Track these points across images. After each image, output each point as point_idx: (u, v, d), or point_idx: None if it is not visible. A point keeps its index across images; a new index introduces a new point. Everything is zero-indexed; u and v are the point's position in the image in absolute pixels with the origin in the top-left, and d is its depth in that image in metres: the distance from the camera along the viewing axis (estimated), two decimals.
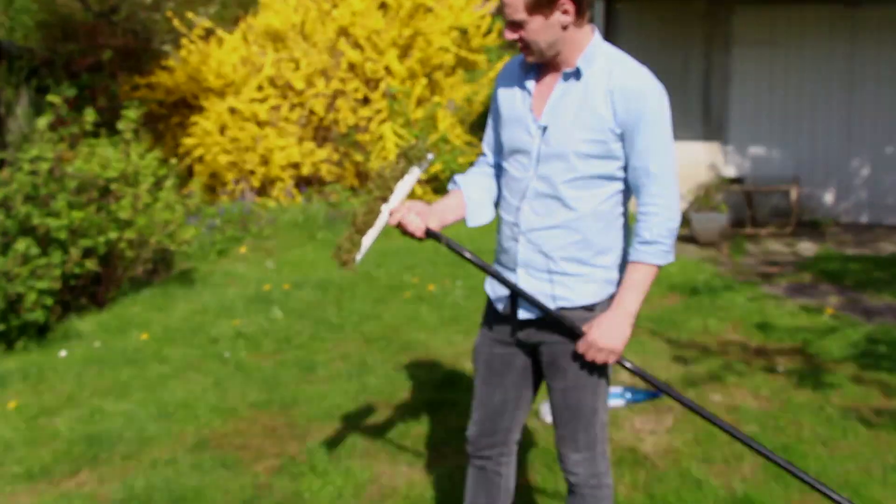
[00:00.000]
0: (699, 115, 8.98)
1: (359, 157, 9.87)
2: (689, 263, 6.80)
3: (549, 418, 3.81)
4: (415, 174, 2.23)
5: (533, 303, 2.17)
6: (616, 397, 3.99)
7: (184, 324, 5.55)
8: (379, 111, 9.95)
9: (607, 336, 2.12)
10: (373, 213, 2.18)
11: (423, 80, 9.89)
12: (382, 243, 8.71)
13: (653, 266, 2.12)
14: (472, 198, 2.30)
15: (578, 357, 2.20)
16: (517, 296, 2.21)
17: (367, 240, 2.19)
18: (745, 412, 3.92)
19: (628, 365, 2.21)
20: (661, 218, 2.10)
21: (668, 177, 2.10)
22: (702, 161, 8.95)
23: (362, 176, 10.30)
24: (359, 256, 2.17)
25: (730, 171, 9.00)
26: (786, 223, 8.57)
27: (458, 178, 2.34)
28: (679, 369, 4.52)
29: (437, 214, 2.23)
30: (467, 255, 2.21)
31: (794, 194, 8.39)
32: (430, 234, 2.20)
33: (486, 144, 2.39)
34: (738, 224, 8.74)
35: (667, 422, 3.84)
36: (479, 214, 2.31)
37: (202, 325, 5.51)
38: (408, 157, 2.21)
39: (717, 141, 9.02)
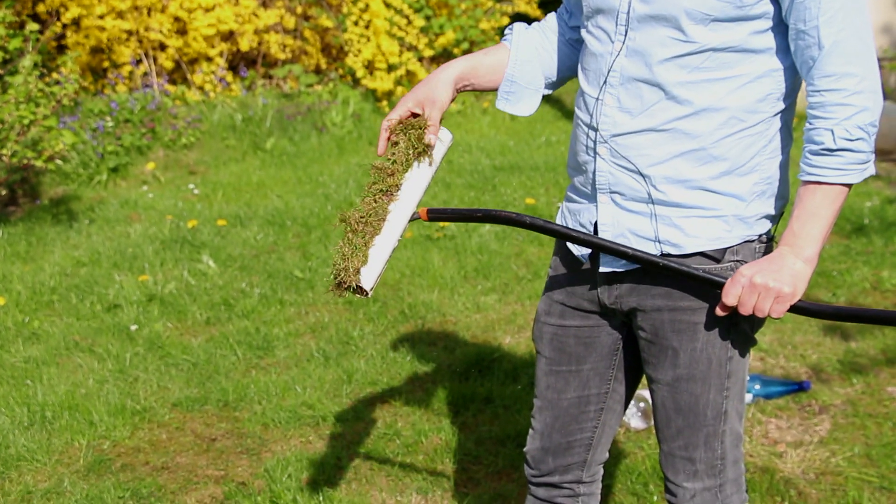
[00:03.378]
0: None
1: (328, 23, 9.77)
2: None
3: (635, 421, 3.80)
4: (432, 162, 2.27)
5: (621, 254, 2.14)
6: None
7: (63, 281, 5.56)
8: None
9: (770, 272, 2.04)
10: (376, 216, 2.20)
11: None
12: (367, 154, 8.72)
13: (839, 186, 2.04)
14: (518, 61, 2.37)
15: (700, 329, 2.16)
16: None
17: (379, 255, 2.19)
18: None
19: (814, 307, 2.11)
20: (850, 109, 2.00)
21: (857, 44, 2.00)
22: (871, 18, 8.82)
23: (332, 52, 10.19)
24: (369, 280, 2.16)
25: None
26: None
27: (516, 27, 2.41)
28: (836, 347, 4.49)
29: (446, 81, 2.30)
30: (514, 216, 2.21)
31: None
32: (432, 216, 2.25)
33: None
34: None
35: (820, 427, 3.83)
36: (519, 94, 2.39)
37: (92, 282, 5.52)
38: (408, 135, 2.25)
39: None
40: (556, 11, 2.44)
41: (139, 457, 3.77)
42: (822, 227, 2.05)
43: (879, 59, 8.19)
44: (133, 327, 4.90)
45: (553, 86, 2.45)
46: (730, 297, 2.06)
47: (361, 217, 2.19)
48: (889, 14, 8.75)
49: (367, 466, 3.62)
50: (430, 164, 2.27)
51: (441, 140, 2.28)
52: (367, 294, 2.17)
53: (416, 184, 2.25)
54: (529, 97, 2.40)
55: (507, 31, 2.41)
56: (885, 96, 7.66)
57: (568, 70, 2.42)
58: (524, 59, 2.37)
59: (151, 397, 4.21)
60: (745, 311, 2.05)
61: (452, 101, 2.32)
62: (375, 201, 2.21)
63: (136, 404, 4.14)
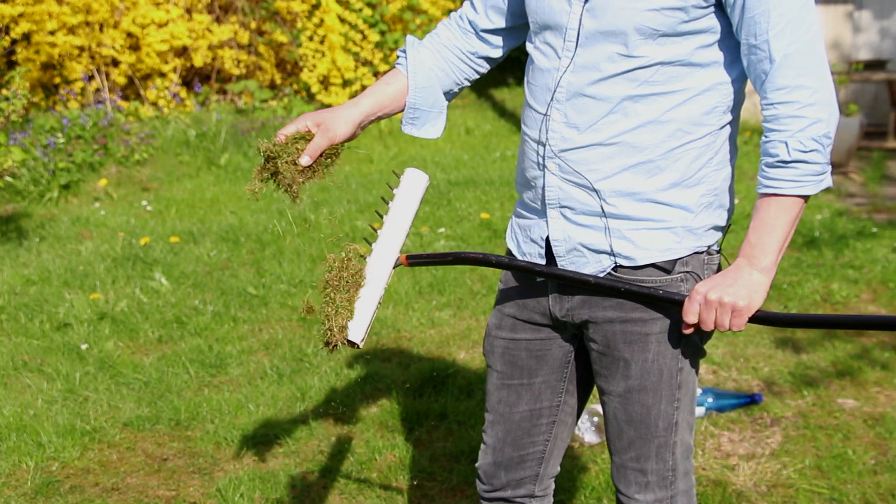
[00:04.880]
0: None
1: (282, 38, 9.75)
2: None
3: (589, 435, 3.80)
4: (411, 197, 2.28)
5: (583, 283, 2.16)
6: None
7: (12, 300, 5.50)
8: None
9: (724, 287, 2.05)
10: (354, 269, 2.21)
11: None
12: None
13: (794, 198, 2.05)
14: (417, 87, 2.37)
15: (651, 340, 2.17)
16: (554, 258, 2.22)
17: (365, 307, 2.20)
18: (893, 424, 3.93)
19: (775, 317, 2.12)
20: (804, 121, 2.01)
21: (808, 57, 2.01)
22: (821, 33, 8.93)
23: (287, 68, 10.17)
24: (357, 333, 2.17)
25: (864, 51, 8.97)
26: None
27: (408, 49, 2.39)
28: (788, 360, 4.52)
29: (348, 118, 2.28)
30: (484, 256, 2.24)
31: None
32: (413, 262, 2.28)
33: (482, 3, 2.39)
34: (876, 134, 8.73)
35: (772, 440, 3.85)
36: (423, 118, 2.39)
37: (41, 301, 5.46)
38: (288, 151, 2.23)
39: (844, 3, 8.96)
40: (451, 19, 2.43)
41: (89, 478, 3.72)
42: (778, 237, 2.05)
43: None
44: (83, 346, 4.84)
45: (454, 97, 2.47)
46: (689, 315, 2.07)
47: (339, 273, 2.19)
48: (839, 29, 8.88)
49: (320, 484, 3.60)
50: (407, 212, 2.28)
51: (418, 182, 2.30)
52: (357, 346, 2.18)
53: (394, 230, 2.26)
54: (434, 119, 2.41)
55: (399, 54, 2.39)
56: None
57: (463, 84, 2.44)
58: (423, 84, 2.37)
59: (102, 417, 4.16)
60: (707, 327, 2.06)
61: (354, 138, 2.31)
62: (349, 256, 2.21)
63: (85, 425, 4.09)
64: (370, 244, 2.26)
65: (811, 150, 2.00)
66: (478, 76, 2.47)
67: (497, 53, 2.42)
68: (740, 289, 2.03)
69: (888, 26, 8.92)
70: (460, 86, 2.44)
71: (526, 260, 2.26)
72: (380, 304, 2.23)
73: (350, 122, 2.28)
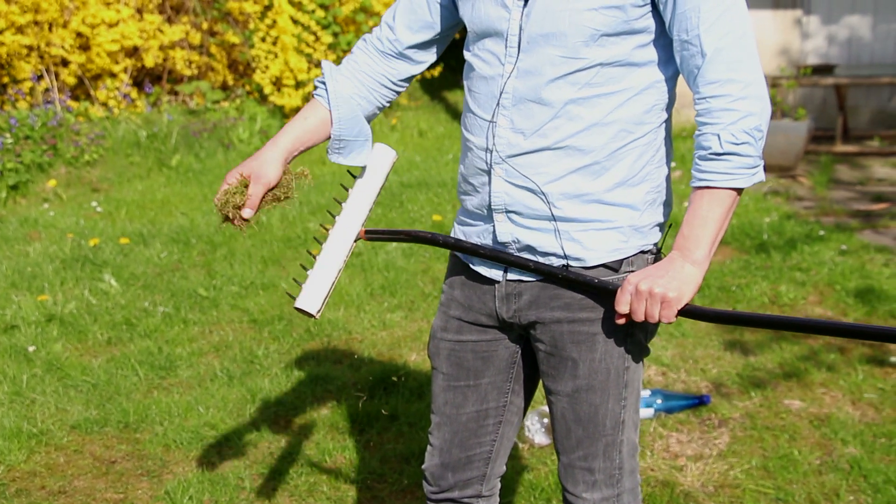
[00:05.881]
0: None
1: (234, 39, 9.70)
2: (749, 199, 6.87)
3: (539, 437, 3.82)
4: (377, 173, 2.29)
5: (519, 265, 2.19)
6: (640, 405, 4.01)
7: None
8: None
9: (655, 277, 2.07)
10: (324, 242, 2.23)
11: None
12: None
13: (727, 191, 2.08)
14: (340, 119, 2.35)
15: (599, 340, 2.19)
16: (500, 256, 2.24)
17: (324, 278, 2.23)
18: (838, 425, 3.98)
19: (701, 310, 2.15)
20: (735, 114, 2.04)
21: (739, 51, 2.05)
22: (769, 40, 9.01)
23: (239, 69, 10.12)
24: (313, 304, 2.21)
25: (812, 57, 9.07)
26: None
27: (327, 80, 2.36)
28: (736, 361, 4.57)
29: (273, 160, 2.30)
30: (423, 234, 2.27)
31: None
32: (371, 237, 2.30)
33: (400, 14, 2.37)
34: (824, 138, 8.84)
35: (719, 440, 3.88)
36: (349, 147, 2.37)
37: None
38: (229, 201, 2.27)
39: (793, 9, 9.05)
40: (367, 42, 2.41)
41: (35, 481, 3.68)
42: (711, 230, 2.07)
43: (778, 78, 8.38)
44: (31, 348, 4.79)
45: (374, 118, 2.48)
46: (621, 304, 2.08)
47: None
48: (788, 34, 8.98)
49: (270, 486, 3.59)
50: (372, 186, 2.29)
51: (385, 158, 2.31)
52: (314, 317, 2.24)
53: (356, 205, 2.27)
54: (360, 147, 2.37)
55: (318, 84, 2.37)
56: (784, 114, 7.88)
57: (384, 106, 2.45)
58: (345, 116, 2.34)
59: (49, 420, 4.12)
60: (638, 317, 2.07)
61: (284, 172, 2.31)
62: (326, 229, 2.25)
63: (32, 427, 4.04)
64: (334, 216, 2.26)
65: (743, 143, 2.03)
66: (397, 96, 2.48)
67: (419, 69, 2.42)
68: (671, 280, 2.05)
69: (836, 32, 9.04)
70: (382, 108, 2.45)
71: (471, 243, 2.27)
72: (339, 276, 2.25)
73: (275, 163, 2.28)
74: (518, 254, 2.20)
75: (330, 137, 2.35)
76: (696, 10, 2.02)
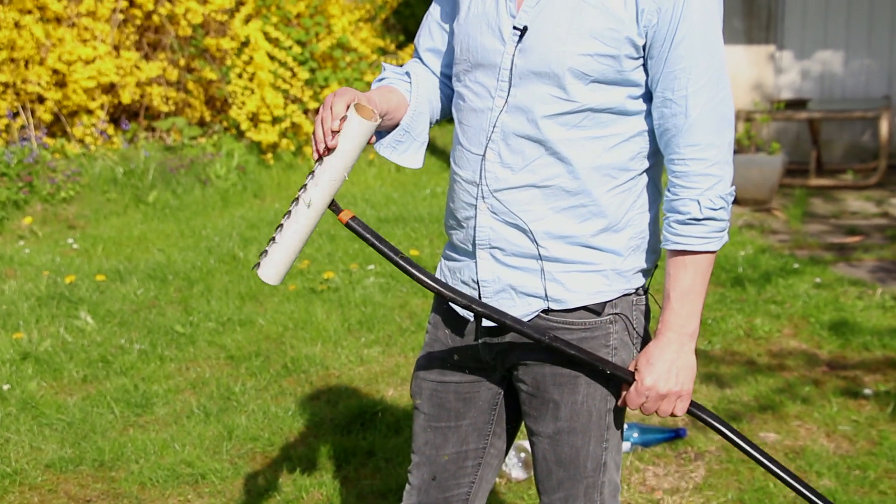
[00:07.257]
0: (739, 6, 9.07)
1: (211, 75, 9.72)
2: None
3: (516, 471, 3.82)
4: (350, 143, 2.07)
5: (496, 320, 2.12)
6: None
7: None
8: (242, 2, 9.78)
9: (667, 374, 2.13)
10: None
11: None
12: (252, 207, 8.71)
13: (705, 255, 2.13)
14: (416, 112, 2.29)
15: (581, 382, 2.19)
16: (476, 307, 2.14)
17: (285, 246, 2.10)
18: (813, 457, 3.99)
19: (709, 419, 2.24)
20: (712, 179, 2.08)
21: (720, 118, 2.09)
22: (743, 75, 9.10)
23: (216, 105, 10.13)
24: (272, 273, 2.10)
25: (786, 91, 9.15)
26: (871, 169, 8.77)
27: (411, 71, 2.31)
28: (712, 394, 4.58)
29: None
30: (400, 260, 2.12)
31: (884, 125, 8.59)
32: (351, 224, 2.12)
33: (425, 46, 2.37)
34: (798, 171, 8.90)
35: (696, 474, 3.89)
36: (408, 144, 2.29)
37: None
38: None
39: (766, 44, 9.15)
40: (414, 61, 2.39)
41: None
42: (699, 301, 2.15)
43: (752, 113, 8.46)
44: (6, 387, 4.75)
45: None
46: (633, 404, 2.16)
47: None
48: (761, 69, 9.07)
49: None
50: (344, 154, 2.08)
51: (361, 126, 2.07)
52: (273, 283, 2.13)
53: (328, 175, 2.09)
54: (416, 150, 2.31)
55: (388, 68, 2.32)
56: (759, 148, 7.94)
57: (439, 119, 2.39)
58: (420, 110, 2.29)
59: (23, 459, 4.09)
60: (648, 413, 2.16)
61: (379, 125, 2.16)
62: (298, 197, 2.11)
63: (6, 467, 4.01)
64: (304, 186, 2.11)
65: (720, 208, 2.09)
66: (444, 118, 2.41)
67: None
68: (679, 374, 2.13)
69: (809, 67, 9.13)
70: (436, 120, 2.38)
71: (452, 290, 2.17)
72: (302, 247, 2.13)
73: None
74: (496, 294, 2.19)
75: (395, 126, 2.26)
76: (688, 71, 2.04)
